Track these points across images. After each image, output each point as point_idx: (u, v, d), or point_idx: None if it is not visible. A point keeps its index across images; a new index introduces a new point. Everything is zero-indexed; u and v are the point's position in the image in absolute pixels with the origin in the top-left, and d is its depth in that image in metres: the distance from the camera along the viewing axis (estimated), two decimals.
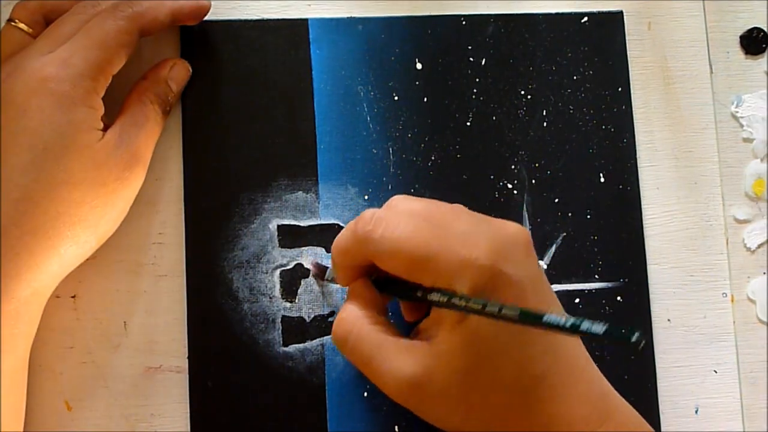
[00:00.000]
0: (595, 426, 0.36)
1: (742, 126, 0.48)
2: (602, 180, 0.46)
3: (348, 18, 0.46)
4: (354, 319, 0.39)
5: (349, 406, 0.44)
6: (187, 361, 0.43)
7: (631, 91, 0.47)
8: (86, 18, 0.41)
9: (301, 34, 0.46)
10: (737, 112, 0.48)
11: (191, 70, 0.45)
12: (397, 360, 0.37)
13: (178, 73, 0.44)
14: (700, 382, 0.46)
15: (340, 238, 0.40)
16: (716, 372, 0.46)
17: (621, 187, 0.46)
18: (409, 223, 0.37)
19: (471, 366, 0.36)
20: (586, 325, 0.31)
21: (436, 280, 0.36)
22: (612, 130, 0.46)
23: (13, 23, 0.42)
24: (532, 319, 0.32)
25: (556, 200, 0.46)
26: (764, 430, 0.46)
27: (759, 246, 0.47)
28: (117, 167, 0.40)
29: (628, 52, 0.47)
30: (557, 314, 0.32)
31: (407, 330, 0.40)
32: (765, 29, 0.48)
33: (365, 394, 0.44)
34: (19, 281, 0.38)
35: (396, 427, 0.44)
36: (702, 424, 0.46)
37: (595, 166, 0.46)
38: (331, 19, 0.46)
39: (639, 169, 0.47)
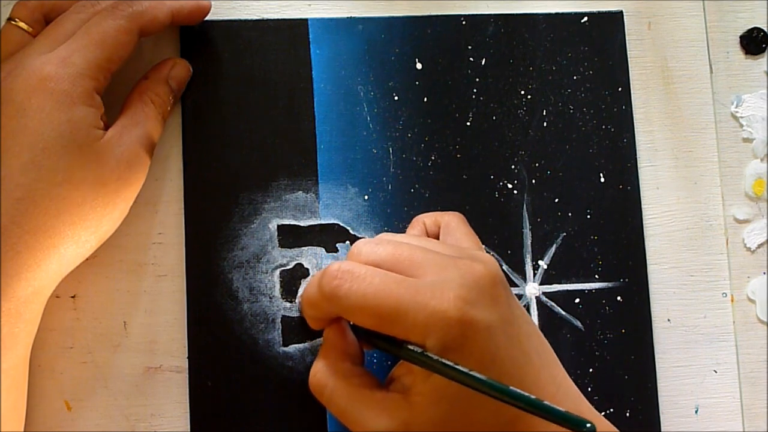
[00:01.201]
0: None
1: (742, 126, 0.48)
2: (602, 180, 0.46)
3: (348, 18, 0.46)
4: (329, 372, 0.39)
5: None
6: (187, 361, 0.43)
7: (632, 91, 0.47)
8: (86, 17, 0.41)
9: (301, 34, 0.46)
10: (737, 112, 0.48)
11: (192, 70, 0.45)
12: (374, 415, 0.37)
13: (178, 72, 0.44)
14: (700, 382, 0.46)
15: (306, 292, 0.40)
16: (716, 372, 0.46)
17: (621, 186, 0.46)
18: (375, 276, 0.37)
19: (446, 416, 0.36)
20: (545, 406, 0.31)
21: (407, 334, 0.36)
22: (612, 130, 0.46)
23: (13, 22, 0.41)
24: (497, 390, 0.33)
25: (557, 200, 0.46)
26: (764, 430, 0.46)
27: (759, 246, 0.47)
28: (118, 167, 0.40)
29: (628, 52, 0.47)
30: (520, 391, 0.33)
31: (384, 372, 0.41)
32: (765, 29, 0.48)
33: None
34: (20, 280, 0.38)
35: None
36: (702, 424, 0.46)
37: (595, 165, 0.46)
38: (331, 19, 0.46)
39: (639, 169, 0.46)
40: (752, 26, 0.48)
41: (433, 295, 0.35)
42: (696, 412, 0.46)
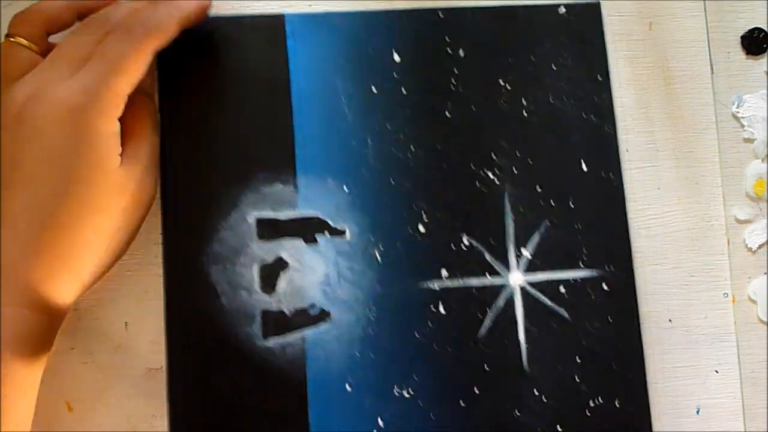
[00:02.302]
0: None
1: (743, 126, 0.48)
2: (584, 168, 0.46)
3: (324, 12, 0.46)
4: None
5: (332, 400, 0.43)
6: (165, 359, 0.43)
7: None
8: (99, 37, 0.41)
9: (277, 29, 0.46)
10: (738, 112, 0.48)
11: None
12: None
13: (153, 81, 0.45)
14: (702, 382, 0.45)
15: None
16: (717, 372, 0.46)
17: (603, 174, 0.46)
18: None
19: None
20: None
21: None
22: (593, 118, 0.46)
23: (12, 39, 0.41)
24: None
25: (539, 189, 0.45)
26: (765, 431, 0.45)
27: (760, 246, 0.47)
28: (137, 191, 0.41)
29: (608, 43, 0.47)
30: None
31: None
32: (766, 29, 0.48)
33: (348, 387, 0.43)
34: (56, 300, 0.39)
35: (379, 420, 0.43)
36: (703, 424, 0.45)
37: (577, 154, 0.46)
38: (308, 14, 0.46)
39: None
40: (753, 26, 0.48)
41: None
42: (697, 412, 0.45)
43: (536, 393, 0.43)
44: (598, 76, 0.46)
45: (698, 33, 0.48)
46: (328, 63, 0.46)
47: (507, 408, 0.43)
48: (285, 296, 0.43)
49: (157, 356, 0.43)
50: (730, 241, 0.47)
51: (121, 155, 0.40)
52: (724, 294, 0.46)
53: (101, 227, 0.39)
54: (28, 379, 0.39)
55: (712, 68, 0.48)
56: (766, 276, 0.47)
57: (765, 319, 0.46)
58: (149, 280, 0.44)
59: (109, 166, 0.39)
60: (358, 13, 0.46)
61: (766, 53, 0.48)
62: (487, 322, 0.44)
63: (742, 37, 0.48)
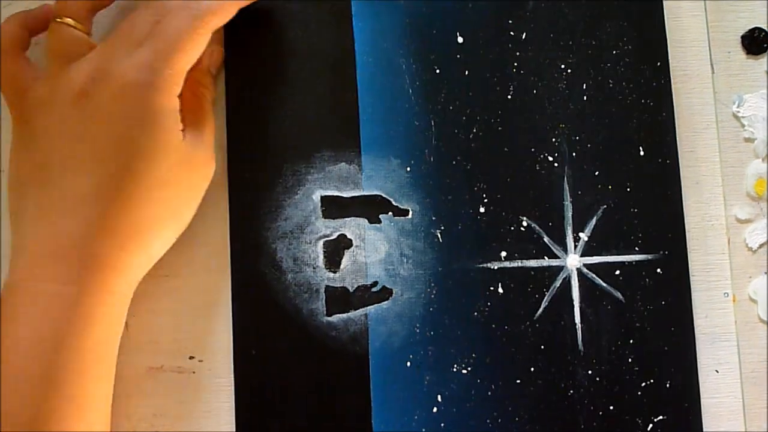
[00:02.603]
0: None
1: (743, 126, 0.48)
2: (642, 153, 0.46)
3: None
4: None
5: (393, 375, 0.44)
6: (231, 334, 0.44)
7: (670, 68, 0.47)
8: (157, 18, 0.41)
9: (343, 7, 0.46)
10: (738, 112, 0.48)
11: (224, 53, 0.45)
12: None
13: (217, 60, 0.45)
14: (702, 382, 0.45)
15: None
16: (718, 372, 0.46)
17: (660, 160, 0.46)
18: None
19: None
20: None
21: None
22: (651, 104, 0.46)
23: (59, 20, 0.41)
24: None
25: (597, 173, 0.46)
26: (766, 430, 0.46)
27: (760, 246, 0.47)
28: (199, 164, 0.41)
29: (666, 27, 0.47)
30: None
31: None
32: (766, 29, 0.48)
33: (408, 364, 0.44)
34: (119, 276, 0.39)
35: (438, 397, 0.44)
36: (704, 423, 0.45)
37: (635, 139, 0.46)
38: None
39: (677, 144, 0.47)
40: (753, 26, 0.48)
41: None
42: None
43: (590, 373, 0.44)
44: (658, 62, 0.47)
45: (698, 32, 0.48)
46: (393, 44, 0.46)
47: (562, 387, 0.44)
48: (348, 273, 0.44)
49: (158, 356, 0.44)
50: (730, 241, 0.47)
51: (182, 131, 0.41)
52: (725, 293, 0.46)
53: (167, 201, 0.40)
54: (104, 361, 0.39)
55: (712, 68, 0.48)
56: (766, 275, 0.47)
57: (765, 319, 0.46)
58: (150, 279, 0.43)
59: (172, 142, 0.40)
60: None
61: (766, 53, 0.48)
62: (544, 303, 0.45)
63: (742, 37, 0.48)
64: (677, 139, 0.46)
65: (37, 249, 0.38)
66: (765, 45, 0.48)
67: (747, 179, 0.47)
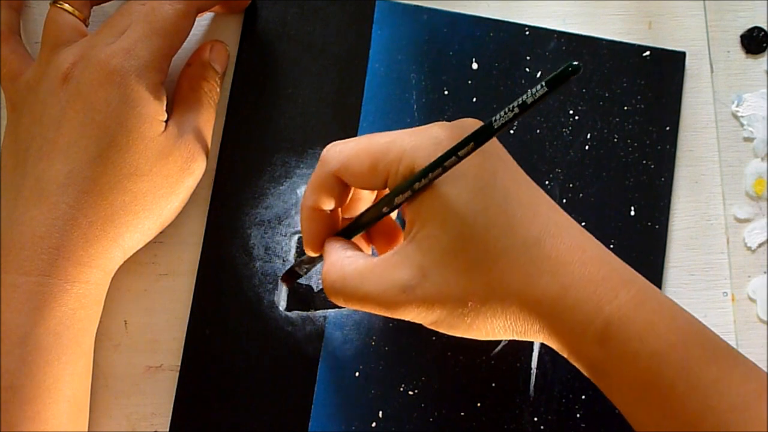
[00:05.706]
0: (618, 287, 0.35)
1: (742, 125, 0.47)
2: (632, 213, 0.46)
3: (415, 6, 0.46)
4: (341, 262, 0.37)
5: (339, 382, 0.44)
6: (189, 310, 0.44)
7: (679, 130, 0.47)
8: (144, 6, 0.41)
9: (366, 12, 0.46)
10: (738, 111, 0.47)
11: (229, 50, 0.45)
12: (388, 273, 0.36)
13: (218, 54, 0.44)
14: None
15: (307, 187, 0.40)
16: None
17: (650, 224, 0.46)
18: (362, 137, 0.38)
19: (456, 241, 0.35)
20: (529, 93, 0.31)
21: (400, 159, 0.36)
22: (652, 166, 0.46)
23: (58, 5, 0.41)
24: (487, 132, 0.33)
25: (583, 224, 0.45)
26: (765, 430, 0.45)
27: (759, 245, 0.47)
28: (180, 158, 0.41)
29: (683, 93, 0.47)
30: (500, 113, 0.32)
31: None
32: (765, 29, 0.48)
33: (357, 374, 0.44)
34: (90, 267, 0.39)
35: (380, 413, 0.44)
36: None
37: (628, 198, 0.46)
38: (398, 4, 0.46)
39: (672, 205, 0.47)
40: (753, 26, 0.48)
41: (418, 129, 0.37)
42: None
43: (536, 420, 0.44)
44: (667, 126, 0.46)
45: (698, 32, 0.48)
46: (408, 56, 0.46)
47: (505, 429, 0.44)
48: (316, 273, 0.44)
49: (157, 355, 0.44)
50: (729, 240, 0.47)
51: (167, 122, 0.41)
52: (724, 293, 0.46)
53: (139, 192, 0.40)
54: (76, 348, 0.39)
55: (711, 67, 0.48)
56: (765, 275, 0.47)
57: (764, 318, 0.46)
58: (149, 279, 0.44)
59: (149, 132, 0.40)
60: (447, 13, 0.46)
61: (765, 52, 0.48)
62: (504, 342, 0.44)
63: (741, 36, 0.48)
64: (677, 139, 0.46)
65: (8, 238, 0.39)
66: (764, 44, 0.48)
67: (746, 179, 0.47)
